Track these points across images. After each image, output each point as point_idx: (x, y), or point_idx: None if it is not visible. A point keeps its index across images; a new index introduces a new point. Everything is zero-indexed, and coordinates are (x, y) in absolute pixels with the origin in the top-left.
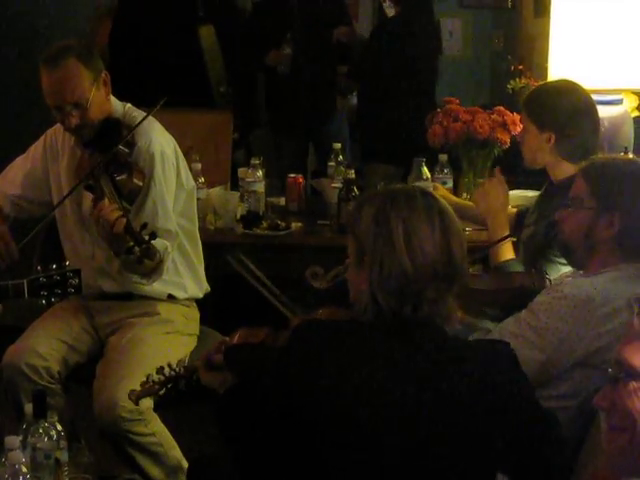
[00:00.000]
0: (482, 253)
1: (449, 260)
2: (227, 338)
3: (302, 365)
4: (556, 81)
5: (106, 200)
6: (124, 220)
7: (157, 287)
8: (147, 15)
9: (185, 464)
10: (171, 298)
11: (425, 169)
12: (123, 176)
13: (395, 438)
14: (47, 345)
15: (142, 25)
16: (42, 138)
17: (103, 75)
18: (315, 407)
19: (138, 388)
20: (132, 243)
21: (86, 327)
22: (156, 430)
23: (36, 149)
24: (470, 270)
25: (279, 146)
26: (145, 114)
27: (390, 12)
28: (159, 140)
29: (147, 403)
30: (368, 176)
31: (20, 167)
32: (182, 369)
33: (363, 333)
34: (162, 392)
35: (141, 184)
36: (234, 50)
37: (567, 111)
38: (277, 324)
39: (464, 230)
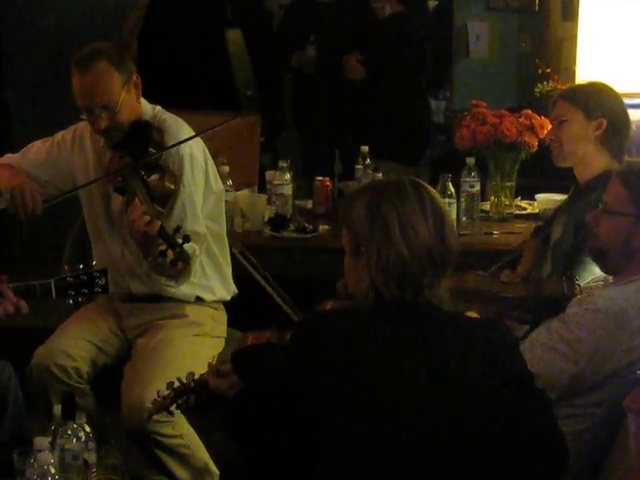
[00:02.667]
0: (510, 256)
1: (443, 244)
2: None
3: (308, 356)
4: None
5: (138, 202)
6: (158, 223)
7: (185, 289)
8: (174, 18)
9: (212, 466)
10: (199, 300)
11: (450, 185)
12: (155, 178)
13: (410, 420)
14: (76, 346)
15: (169, 28)
16: (72, 129)
17: (134, 78)
18: (324, 395)
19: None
20: (165, 246)
21: (114, 329)
22: (184, 432)
23: (63, 138)
24: (500, 276)
25: (306, 149)
26: (174, 116)
27: None
28: (188, 143)
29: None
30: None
31: (43, 150)
32: (192, 382)
33: (367, 319)
34: (173, 407)
35: (173, 187)
36: (262, 53)
37: (620, 103)
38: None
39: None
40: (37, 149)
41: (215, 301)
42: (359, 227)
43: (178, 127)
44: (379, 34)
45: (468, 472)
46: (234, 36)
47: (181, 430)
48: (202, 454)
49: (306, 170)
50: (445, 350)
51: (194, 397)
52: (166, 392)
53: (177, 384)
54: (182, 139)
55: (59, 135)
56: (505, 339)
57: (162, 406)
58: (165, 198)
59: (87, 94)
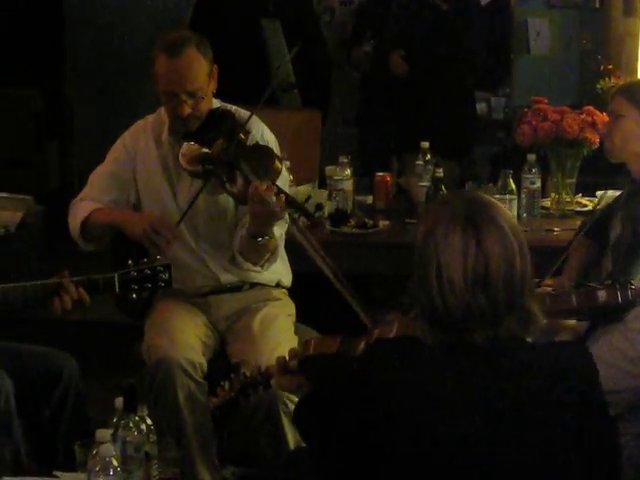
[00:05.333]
0: (559, 262)
1: (486, 295)
2: (297, 347)
3: (373, 388)
4: None
5: (258, 181)
6: (284, 196)
7: (267, 274)
8: (219, 13)
9: None
10: (278, 286)
11: (511, 181)
12: (262, 158)
13: (472, 459)
14: (193, 341)
15: (214, 22)
16: (120, 142)
17: (214, 69)
18: (387, 429)
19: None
20: (297, 214)
21: (207, 324)
22: None
23: (116, 153)
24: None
25: (362, 144)
26: (235, 107)
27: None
28: (268, 130)
29: None
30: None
31: (106, 173)
32: (258, 375)
33: (429, 355)
34: (240, 398)
35: (281, 166)
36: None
37: None
38: (354, 325)
39: None
40: (99, 176)
41: (286, 286)
42: (414, 260)
43: (253, 117)
44: (427, 32)
45: None
46: (271, 25)
47: None
48: None
49: (363, 166)
50: (513, 387)
51: (262, 387)
52: (232, 383)
53: (242, 376)
54: (262, 126)
55: (111, 152)
56: (585, 371)
57: (228, 397)
58: (274, 176)
59: (176, 79)
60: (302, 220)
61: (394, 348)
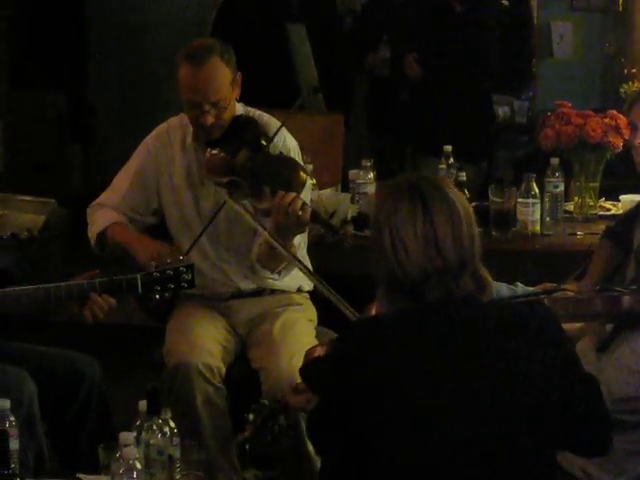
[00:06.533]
0: (582, 267)
1: (440, 255)
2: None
3: (345, 365)
4: None
5: (284, 193)
6: (309, 209)
7: (288, 280)
8: (243, 16)
9: None
10: (299, 291)
11: (534, 185)
12: (286, 170)
13: (450, 417)
14: (212, 346)
15: (237, 25)
16: (142, 146)
17: (238, 76)
18: (364, 402)
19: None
20: (323, 230)
21: (227, 328)
22: None
23: (139, 157)
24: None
25: (377, 148)
26: (259, 112)
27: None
28: (290, 136)
29: None
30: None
31: (126, 178)
32: (276, 404)
33: (390, 325)
34: (265, 429)
35: (306, 177)
36: (329, 52)
37: None
38: None
39: None
40: (120, 181)
41: (307, 291)
42: (370, 237)
43: (276, 122)
44: (440, 34)
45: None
46: (296, 30)
47: None
48: None
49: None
50: (470, 342)
51: (284, 416)
52: (255, 417)
53: (263, 408)
54: (285, 133)
55: (134, 158)
56: (544, 326)
57: (255, 430)
58: (299, 188)
59: (200, 89)
60: (328, 235)
61: (359, 327)
